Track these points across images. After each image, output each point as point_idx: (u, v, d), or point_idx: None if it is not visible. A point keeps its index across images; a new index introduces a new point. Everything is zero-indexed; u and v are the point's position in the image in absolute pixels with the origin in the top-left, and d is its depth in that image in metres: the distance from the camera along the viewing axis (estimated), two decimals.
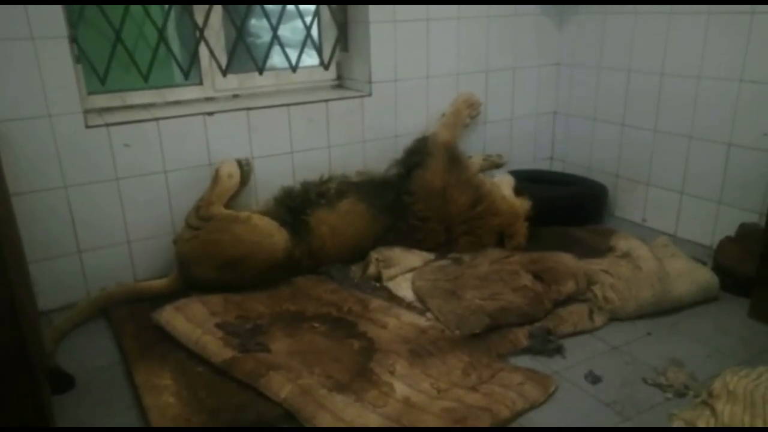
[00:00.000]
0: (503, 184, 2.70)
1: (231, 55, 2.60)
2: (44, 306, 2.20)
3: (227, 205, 2.32)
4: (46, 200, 2.16)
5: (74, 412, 1.70)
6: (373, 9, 2.62)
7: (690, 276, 2.18)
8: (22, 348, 1.37)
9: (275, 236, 2.21)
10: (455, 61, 2.91)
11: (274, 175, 2.53)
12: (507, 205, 2.56)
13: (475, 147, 3.09)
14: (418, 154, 2.58)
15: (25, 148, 2.08)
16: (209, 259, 2.18)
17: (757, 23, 2.34)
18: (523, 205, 2.58)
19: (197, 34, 2.51)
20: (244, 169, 2.43)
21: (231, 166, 2.38)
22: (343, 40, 2.81)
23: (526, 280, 2.13)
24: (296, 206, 2.34)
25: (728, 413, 1.54)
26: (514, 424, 1.62)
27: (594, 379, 1.79)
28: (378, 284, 2.31)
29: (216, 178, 2.34)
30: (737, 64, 2.43)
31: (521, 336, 1.97)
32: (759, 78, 2.38)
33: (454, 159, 2.59)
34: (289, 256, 2.23)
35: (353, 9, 2.73)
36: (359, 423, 1.57)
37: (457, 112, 2.82)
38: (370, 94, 2.72)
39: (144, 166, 2.31)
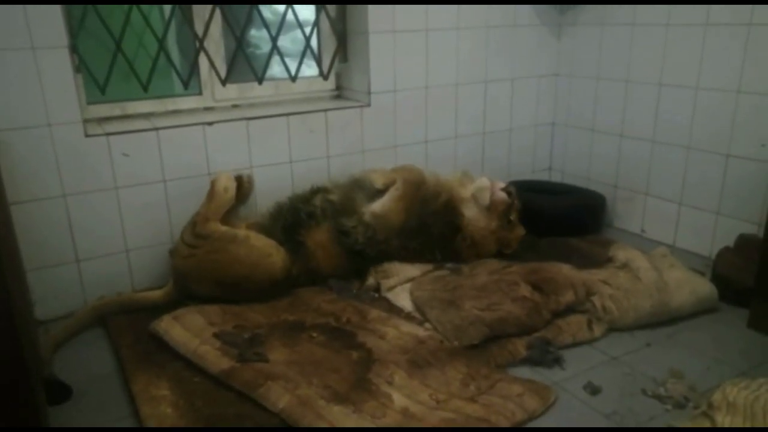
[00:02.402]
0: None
1: (230, 65, 2.61)
2: (42, 315, 2.20)
3: (225, 218, 2.28)
4: (44, 209, 2.15)
5: (70, 422, 1.69)
6: (373, 19, 2.63)
7: (689, 286, 2.18)
8: (19, 357, 1.36)
9: (273, 256, 2.19)
10: (454, 72, 2.92)
11: (274, 185, 2.53)
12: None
13: (473, 158, 3.10)
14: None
15: (25, 156, 2.09)
16: (208, 278, 2.17)
17: (754, 35, 2.36)
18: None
19: (197, 44, 2.52)
20: (245, 186, 2.38)
21: (227, 180, 2.29)
22: (342, 50, 2.82)
23: (525, 290, 2.13)
24: (289, 226, 2.30)
25: (728, 425, 1.53)
26: None
27: (593, 390, 1.78)
28: (377, 294, 2.30)
29: (211, 193, 2.26)
30: (735, 75, 2.44)
31: (520, 347, 1.97)
32: (756, 89, 2.39)
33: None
34: (287, 275, 2.23)
35: (353, 19, 2.75)
36: None
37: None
38: (369, 105, 2.73)
39: (143, 176, 2.31)
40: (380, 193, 2.38)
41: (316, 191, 2.41)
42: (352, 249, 2.31)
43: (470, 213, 2.44)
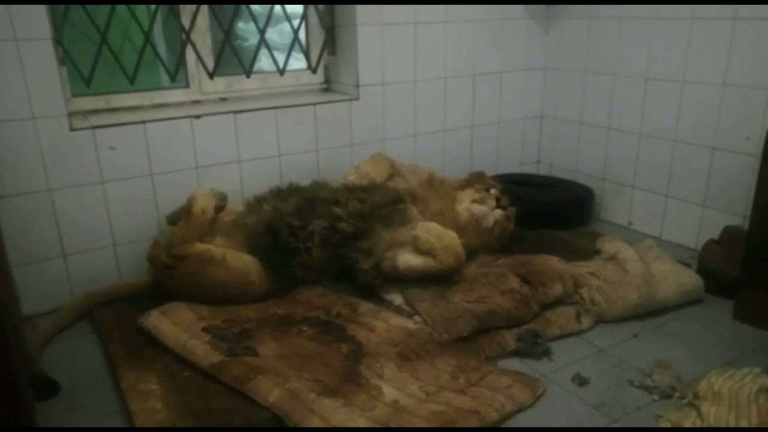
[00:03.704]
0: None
1: (218, 57, 2.59)
2: (28, 310, 2.17)
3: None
4: (30, 203, 2.13)
5: (58, 419, 1.68)
6: (361, 12, 2.62)
7: (675, 278, 2.20)
8: (5, 353, 1.35)
9: (251, 275, 2.16)
10: (443, 65, 2.92)
11: (262, 179, 2.51)
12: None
13: (461, 151, 3.10)
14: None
15: (9, 150, 2.06)
16: (188, 296, 2.12)
17: (739, 28, 2.37)
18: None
19: (183, 36, 2.49)
20: (218, 204, 2.26)
21: (205, 201, 2.17)
22: (330, 43, 2.81)
23: (514, 283, 2.14)
24: (282, 253, 2.24)
25: (714, 414, 1.55)
26: (502, 427, 1.62)
27: (581, 381, 1.80)
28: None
29: (189, 213, 2.15)
30: (720, 68, 2.46)
31: (509, 339, 1.98)
32: (741, 82, 2.41)
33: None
34: (268, 289, 2.20)
35: (341, 12, 2.73)
36: (348, 426, 1.57)
37: None
38: (357, 98, 2.73)
39: (130, 169, 2.29)
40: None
41: (317, 200, 2.30)
42: (350, 275, 2.28)
43: (474, 240, 2.40)
